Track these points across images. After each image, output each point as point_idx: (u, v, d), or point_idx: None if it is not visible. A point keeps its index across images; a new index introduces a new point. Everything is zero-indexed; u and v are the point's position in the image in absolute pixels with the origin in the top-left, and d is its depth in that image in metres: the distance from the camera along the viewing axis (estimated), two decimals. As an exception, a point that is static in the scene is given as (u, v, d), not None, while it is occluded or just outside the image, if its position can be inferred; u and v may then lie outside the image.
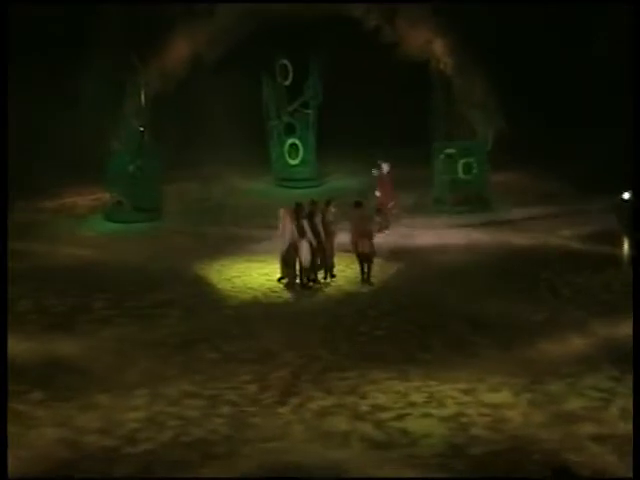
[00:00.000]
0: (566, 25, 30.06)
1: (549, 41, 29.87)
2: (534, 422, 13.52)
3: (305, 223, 20.00)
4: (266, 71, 29.82)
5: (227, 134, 28.99)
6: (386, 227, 24.30)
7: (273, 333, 17.35)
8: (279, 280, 20.31)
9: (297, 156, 30.35)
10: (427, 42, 25.92)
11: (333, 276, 20.54)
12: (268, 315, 18.51)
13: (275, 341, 16.94)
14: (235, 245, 23.66)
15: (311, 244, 19.95)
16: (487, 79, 25.61)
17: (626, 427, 13.05)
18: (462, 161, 26.58)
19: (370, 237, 20.45)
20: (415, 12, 25.72)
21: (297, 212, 20.12)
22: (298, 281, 20.10)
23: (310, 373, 15.49)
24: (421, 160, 27.35)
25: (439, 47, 25.95)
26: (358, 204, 20.93)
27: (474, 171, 26.60)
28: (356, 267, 20.52)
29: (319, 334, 17.31)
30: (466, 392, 14.50)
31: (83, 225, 26.12)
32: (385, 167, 25.23)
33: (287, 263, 20.11)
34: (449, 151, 26.63)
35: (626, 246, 21.47)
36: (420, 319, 17.94)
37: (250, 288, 20.15)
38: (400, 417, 13.79)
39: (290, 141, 30.35)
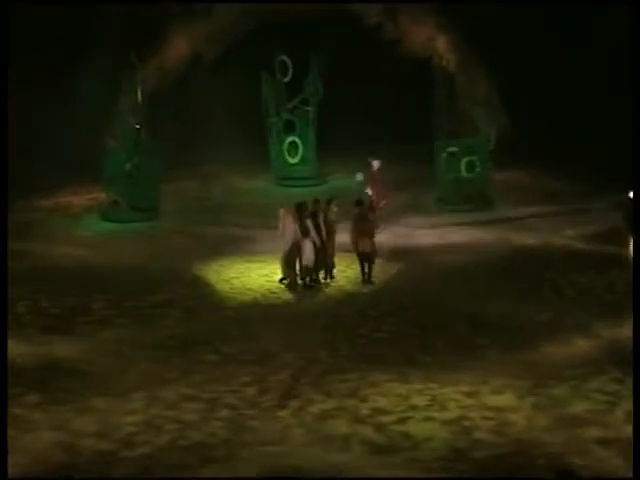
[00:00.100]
0: (566, 25, 29.96)
1: (549, 41, 29.81)
2: (538, 425, 13.38)
3: (309, 222, 19.83)
4: (265, 67, 29.62)
5: (226, 132, 28.84)
6: (377, 226, 23.91)
7: (273, 334, 17.22)
8: (280, 281, 20.16)
9: (297, 154, 30.12)
10: (429, 39, 25.76)
11: (332, 277, 20.38)
12: (268, 316, 18.39)
13: (275, 342, 16.82)
14: (234, 245, 23.52)
15: (315, 244, 19.81)
16: (488, 79, 25.51)
17: (632, 430, 12.86)
18: (465, 159, 26.40)
19: (371, 236, 20.31)
20: (417, 8, 25.57)
21: (300, 211, 19.96)
22: (300, 281, 19.93)
23: (310, 375, 15.35)
24: (423, 158, 27.21)
25: (442, 43, 25.79)
26: (359, 203, 20.82)
27: (477, 169, 26.43)
28: (357, 267, 20.38)
29: (319, 335, 17.19)
30: (469, 395, 14.35)
31: (79, 225, 25.97)
32: (375, 164, 24.75)
33: (288, 263, 19.94)
34: (452, 149, 26.45)
35: (631, 245, 21.29)
36: (421, 320, 17.83)
37: (249, 289, 20.04)
38: (401, 420, 13.65)
39: (290, 139, 30.12)
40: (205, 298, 19.61)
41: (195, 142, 29.83)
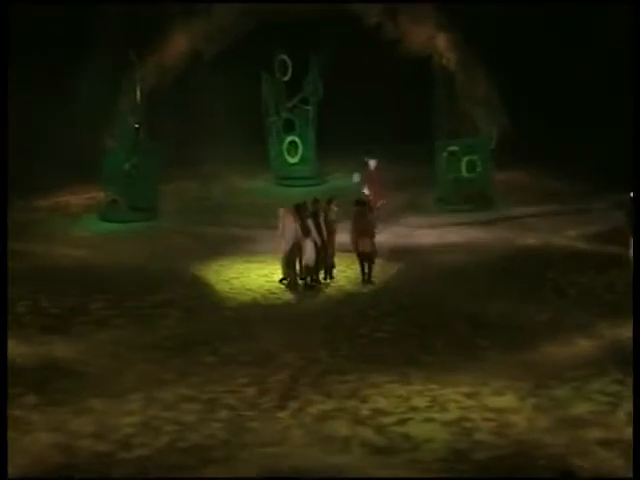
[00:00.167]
0: (566, 25, 29.92)
1: (549, 41, 29.77)
2: (539, 427, 13.30)
3: (310, 222, 19.77)
4: (265, 67, 29.55)
5: (226, 131, 28.75)
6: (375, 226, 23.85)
7: (272, 335, 17.16)
8: (281, 281, 20.09)
9: (296, 154, 30.04)
10: (430, 38, 25.71)
11: (332, 277, 20.32)
12: (267, 316, 18.33)
13: (274, 343, 16.75)
14: (234, 245, 23.47)
15: (316, 243, 19.76)
16: (488, 78, 25.46)
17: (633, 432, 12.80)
18: (465, 159, 26.36)
19: (371, 236, 20.25)
20: (417, 8, 25.52)
21: (301, 211, 19.90)
22: (300, 281, 19.87)
23: (310, 376, 15.28)
24: (423, 158, 27.15)
25: (442, 43, 25.74)
26: (359, 202, 20.75)
27: (478, 169, 26.39)
28: (357, 267, 20.32)
29: (319, 335, 17.12)
30: (469, 396, 14.27)
31: (78, 224, 25.92)
32: (372, 163, 24.63)
33: (289, 263, 19.88)
34: (452, 149, 26.38)
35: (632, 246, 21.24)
36: (421, 320, 17.76)
37: (249, 289, 19.99)
38: (402, 422, 13.56)
39: (289, 138, 30.05)
40: (205, 298, 19.55)
41: (195, 141, 29.75)
